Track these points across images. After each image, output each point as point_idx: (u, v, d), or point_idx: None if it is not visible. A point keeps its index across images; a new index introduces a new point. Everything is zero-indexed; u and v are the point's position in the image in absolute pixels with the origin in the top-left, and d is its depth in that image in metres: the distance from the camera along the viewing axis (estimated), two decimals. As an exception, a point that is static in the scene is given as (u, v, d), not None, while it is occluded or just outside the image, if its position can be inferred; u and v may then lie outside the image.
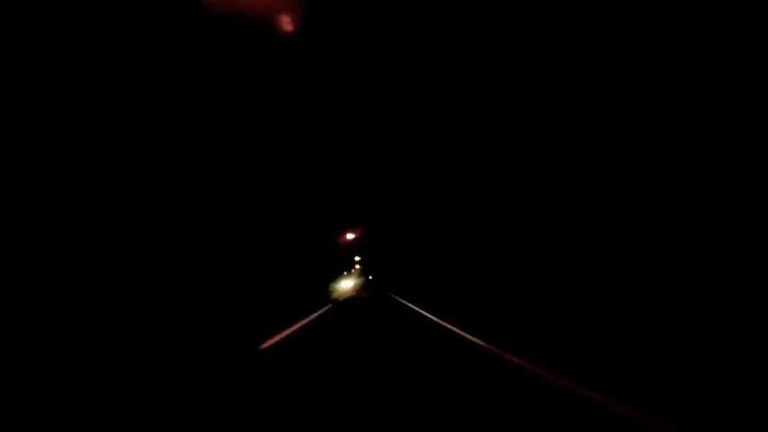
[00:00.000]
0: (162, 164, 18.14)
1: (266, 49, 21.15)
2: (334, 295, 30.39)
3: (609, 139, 10.47)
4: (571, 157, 11.44)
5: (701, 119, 7.70)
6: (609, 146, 10.45)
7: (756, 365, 3.91)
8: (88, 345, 6.84)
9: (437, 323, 8.49)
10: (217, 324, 10.48)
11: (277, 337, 7.65)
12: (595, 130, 10.88)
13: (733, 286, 6.65)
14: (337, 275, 50.93)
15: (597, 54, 10.29)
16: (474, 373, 3.85)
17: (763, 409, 2.78)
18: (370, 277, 65.33)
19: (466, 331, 6.94)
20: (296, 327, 9.75)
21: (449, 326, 7.85)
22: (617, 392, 3.33)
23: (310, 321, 11.28)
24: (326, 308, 15.57)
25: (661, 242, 8.40)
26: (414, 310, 12.42)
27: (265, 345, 6.80)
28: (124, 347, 6.58)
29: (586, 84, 10.75)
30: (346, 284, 49.17)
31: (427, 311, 11.81)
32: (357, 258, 68.82)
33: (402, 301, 17.91)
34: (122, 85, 15.81)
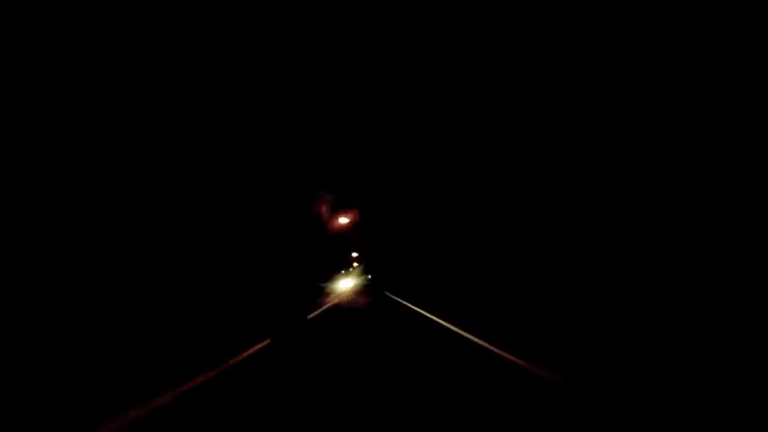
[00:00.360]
0: (162, 164, 18.16)
1: (266, 48, 21.16)
2: (329, 298, 23.27)
3: (590, 144, 10.50)
4: (570, 158, 11.43)
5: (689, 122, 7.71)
6: (591, 150, 10.48)
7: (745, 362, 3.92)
8: (88, 345, 6.84)
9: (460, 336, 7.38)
10: (217, 324, 10.48)
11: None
12: (580, 135, 10.91)
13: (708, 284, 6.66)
14: (335, 275, 49.27)
15: (592, 56, 10.30)
16: None
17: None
18: (370, 276, 62.98)
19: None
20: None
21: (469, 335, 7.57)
22: (615, 391, 3.33)
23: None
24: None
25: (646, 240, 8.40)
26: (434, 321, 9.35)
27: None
28: (124, 347, 6.59)
29: (581, 85, 10.76)
30: (345, 285, 47.36)
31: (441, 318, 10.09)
32: (355, 255, 65.32)
33: (419, 310, 12.69)
34: (123, 85, 15.82)
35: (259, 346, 6.53)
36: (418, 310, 12.61)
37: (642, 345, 5.32)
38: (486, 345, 5.75)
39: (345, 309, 14.58)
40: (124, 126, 16.10)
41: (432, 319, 9.80)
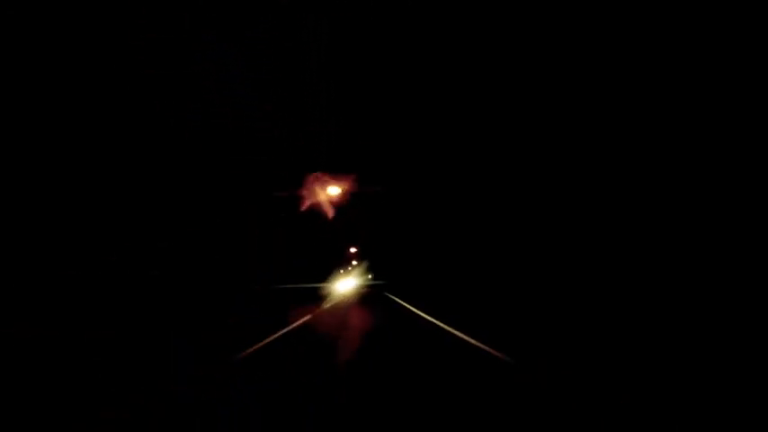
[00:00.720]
0: (162, 164, 18.16)
1: (266, 49, 21.17)
2: (317, 307, 16.24)
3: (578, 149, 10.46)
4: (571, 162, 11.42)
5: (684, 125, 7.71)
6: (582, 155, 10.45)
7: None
8: (88, 345, 6.85)
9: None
10: (217, 324, 10.49)
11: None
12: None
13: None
14: (333, 274, 45.28)
15: (590, 58, 10.29)
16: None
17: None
18: (371, 276, 54.75)
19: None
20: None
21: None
22: (613, 390, 3.33)
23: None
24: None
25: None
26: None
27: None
28: (124, 347, 6.59)
29: (579, 87, 10.75)
30: (344, 286, 43.25)
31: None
32: (353, 250, 53.21)
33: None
34: (123, 84, 15.82)
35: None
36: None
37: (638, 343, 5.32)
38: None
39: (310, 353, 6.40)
40: (124, 126, 16.10)
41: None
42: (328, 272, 42.73)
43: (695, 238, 7.42)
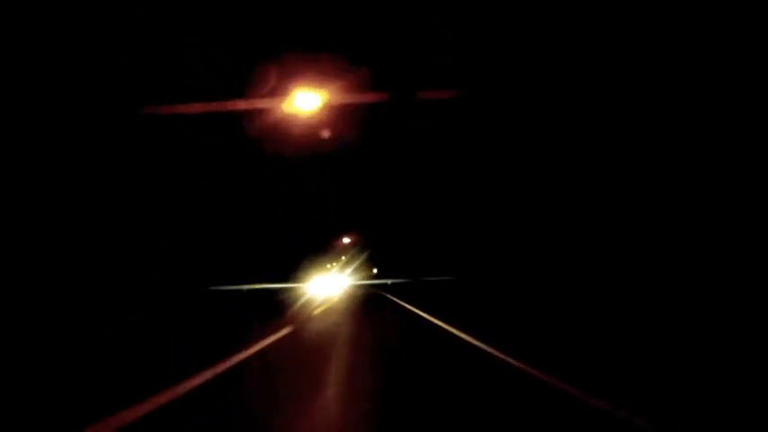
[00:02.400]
0: (162, 164, 18.16)
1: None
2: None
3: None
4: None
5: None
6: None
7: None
8: (88, 345, 6.85)
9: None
10: (217, 324, 10.49)
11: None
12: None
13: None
14: (311, 265, 30.97)
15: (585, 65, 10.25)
16: None
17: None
18: (375, 271, 37.67)
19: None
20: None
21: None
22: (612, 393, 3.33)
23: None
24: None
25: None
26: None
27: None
28: (124, 347, 6.59)
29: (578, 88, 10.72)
30: (336, 286, 30.83)
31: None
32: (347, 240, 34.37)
33: None
34: (121, 84, 15.81)
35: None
36: None
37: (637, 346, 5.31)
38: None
39: None
40: (125, 125, 16.10)
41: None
42: (303, 261, 29.94)
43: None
